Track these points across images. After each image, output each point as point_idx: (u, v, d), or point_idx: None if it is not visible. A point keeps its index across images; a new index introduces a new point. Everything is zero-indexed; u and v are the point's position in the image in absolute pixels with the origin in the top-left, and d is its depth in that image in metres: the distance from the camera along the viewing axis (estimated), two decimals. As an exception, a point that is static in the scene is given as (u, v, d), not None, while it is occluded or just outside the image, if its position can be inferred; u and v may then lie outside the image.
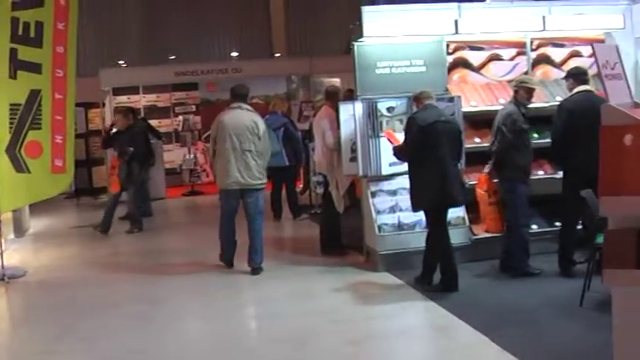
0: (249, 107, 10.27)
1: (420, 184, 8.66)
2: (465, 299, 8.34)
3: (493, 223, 9.64)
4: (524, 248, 9.13)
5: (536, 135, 9.75)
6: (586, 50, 10.49)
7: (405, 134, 8.80)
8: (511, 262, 9.16)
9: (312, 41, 28.97)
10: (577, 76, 9.08)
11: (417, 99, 8.87)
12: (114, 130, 14.85)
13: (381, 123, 9.67)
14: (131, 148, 13.91)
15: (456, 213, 9.55)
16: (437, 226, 8.81)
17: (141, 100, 21.45)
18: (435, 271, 8.83)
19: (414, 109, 9.03)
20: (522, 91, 9.06)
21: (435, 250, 8.80)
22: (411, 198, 8.85)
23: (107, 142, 15.48)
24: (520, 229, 9.11)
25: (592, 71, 9.16)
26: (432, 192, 8.54)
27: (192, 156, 20.05)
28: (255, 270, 10.12)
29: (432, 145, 8.47)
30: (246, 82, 11.36)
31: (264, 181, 10.25)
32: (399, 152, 8.96)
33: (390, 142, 9.24)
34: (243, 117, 10.06)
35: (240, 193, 10.06)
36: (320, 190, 12.48)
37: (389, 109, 9.68)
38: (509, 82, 10.09)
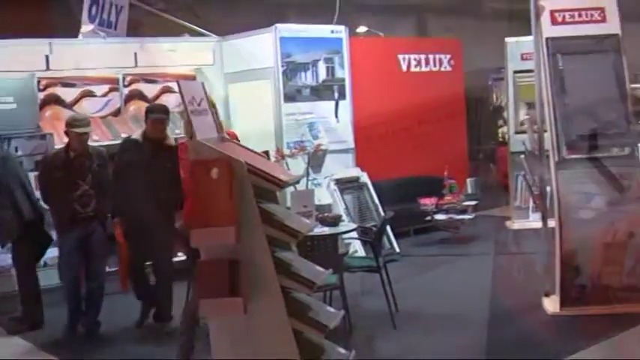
0: None
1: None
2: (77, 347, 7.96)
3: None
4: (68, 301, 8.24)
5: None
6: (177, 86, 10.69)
7: None
8: None
9: None
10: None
11: None
12: None
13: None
14: None
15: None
16: (20, 260, 8.59)
17: None
18: (38, 309, 8.53)
19: None
20: (70, 137, 8.06)
21: (20, 286, 8.59)
22: None
23: None
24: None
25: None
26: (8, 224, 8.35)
27: None
28: None
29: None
30: None
31: None
32: None
33: None
34: None
35: None
36: None
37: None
38: (103, 118, 10.09)
